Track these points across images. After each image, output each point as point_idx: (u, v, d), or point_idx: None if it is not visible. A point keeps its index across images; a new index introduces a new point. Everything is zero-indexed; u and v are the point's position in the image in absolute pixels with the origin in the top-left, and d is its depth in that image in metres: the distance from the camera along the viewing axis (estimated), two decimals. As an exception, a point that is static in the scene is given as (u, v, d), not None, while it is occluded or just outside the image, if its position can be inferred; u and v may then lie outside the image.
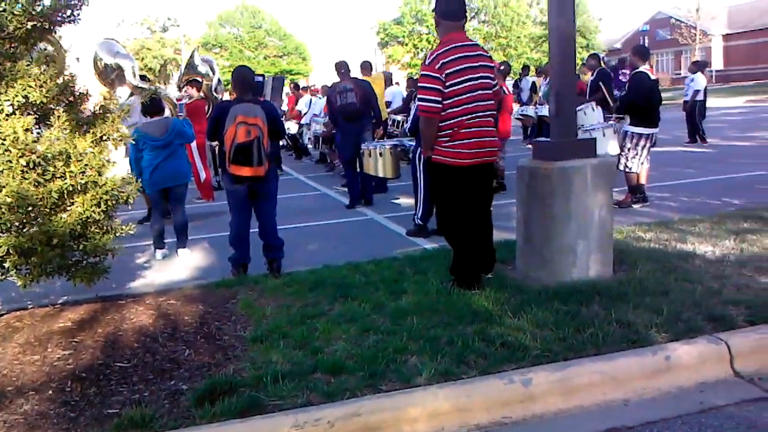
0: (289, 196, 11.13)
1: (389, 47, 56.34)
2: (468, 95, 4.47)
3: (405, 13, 53.28)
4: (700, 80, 15.10)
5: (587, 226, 4.83)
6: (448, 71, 4.42)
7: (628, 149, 8.28)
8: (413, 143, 7.53)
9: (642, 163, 8.34)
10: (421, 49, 53.84)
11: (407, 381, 3.52)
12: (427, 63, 4.52)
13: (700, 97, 15.17)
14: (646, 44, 30.79)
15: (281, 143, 17.85)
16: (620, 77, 15.71)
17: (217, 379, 3.67)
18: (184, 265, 6.85)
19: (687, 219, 6.62)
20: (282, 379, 3.59)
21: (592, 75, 11.67)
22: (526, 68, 18.17)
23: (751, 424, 3.21)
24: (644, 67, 8.22)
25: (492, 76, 4.69)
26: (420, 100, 4.52)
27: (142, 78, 9.69)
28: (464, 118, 4.48)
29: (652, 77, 8.24)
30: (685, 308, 4.20)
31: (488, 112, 4.62)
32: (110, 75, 9.20)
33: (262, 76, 8.96)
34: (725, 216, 6.58)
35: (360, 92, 9.21)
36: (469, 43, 4.60)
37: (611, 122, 9.05)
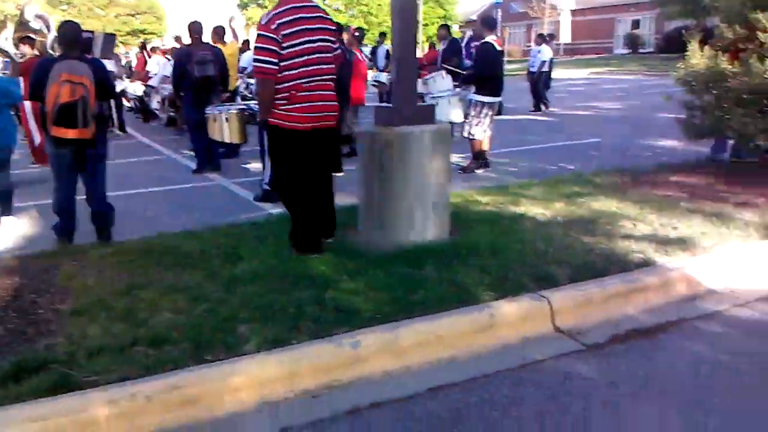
0: (131, 160, 10.56)
1: (249, 9, 54.73)
2: (305, 58, 4.34)
3: (265, -25, 51.88)
4: (546, 52, 15.82)
5: (425, 190, 4.89)
6: (284, 32, 4.25)
7: (472, 117, 8.51)
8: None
9: (485, 131, 8.60)
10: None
11: (234, 350, 3.40)
12: (263, 23, 4.33)
13: (546, 68, 15.92)
14: (499, 17, 31.82)
15: (128, 105, 16.90)
16: (472, 48, 16.19)
17: (26, 356, 3.38)
18: (7, 234, 6.29)
19: (524, 183, 6.91)
20: (99, 354, 3.36)
21: (443, 45, 11.87)
22: (383, 35, 18.22)
23: (566, 376, 3.38)
24: (490, 38, 8.43)
25: (332, 39, 4.58)
26: (255, 61, 4.34)
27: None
28: (301, 81, 4.35)
29: (498, 48, 8.47)
30: (513, 268, 4.36)
31: (327, 77, 4.51)
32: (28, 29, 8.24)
33: (91, 32, 8.23)
34: (558, 180, 6.92)
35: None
36: (308, 4, 4.44)
37: (458, 90, 9.25)
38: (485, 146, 8.75)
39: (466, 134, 8.63)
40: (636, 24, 44.61)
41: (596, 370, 3.42)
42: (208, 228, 5.59)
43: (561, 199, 6.06)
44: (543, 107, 15.48)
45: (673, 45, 26.48)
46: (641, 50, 41.71)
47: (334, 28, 4.64)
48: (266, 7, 53.13)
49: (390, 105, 5.12)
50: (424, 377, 3.42)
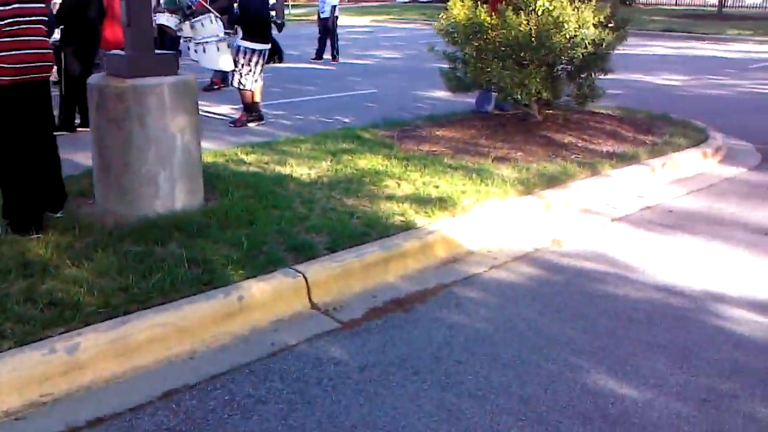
0: None
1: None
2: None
3: None
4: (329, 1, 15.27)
5: (169, 152, 4.31)
6: None
7: (242, 65, 7.91)
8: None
9: (256, 81, 8.06)
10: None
11: None
12: None
13: (337, 13, 15.43)
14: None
15: None
16: None
17: None
18: None
19: (291, 140, 6.52)
20: None
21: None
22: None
23: (317, 362, 3.09)
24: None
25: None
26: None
27: None
28: (2, 23, 3.52)
29: (262, -10, 7.88)
30: (268, 239, 3.99)
31: (35, 18, 3.71)
32: None
33: None
34: (328, 135, 6.63)
35: None
36: None
37: (225, 36, 8.56)
38: (257, 97, 8.21)
39: (236, 84, 8.02)
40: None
41: (349, 352, 3.16)
42: None
43: (328, 157, 5.76)
44: (333, 57, 15.04)
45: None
46: (420, -1, 42.82)
47: None
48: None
49: (120, 52, 4.42)
50: (157, 380, 2.95)
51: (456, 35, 6.25)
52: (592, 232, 4.66)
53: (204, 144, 6.88)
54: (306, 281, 3.61)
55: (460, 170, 5.35)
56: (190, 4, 13.19)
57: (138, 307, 3.23)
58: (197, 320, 3.25)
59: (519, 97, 5.91)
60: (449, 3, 6.25)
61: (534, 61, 5.89)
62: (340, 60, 15.18)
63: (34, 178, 3.96)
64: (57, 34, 7.80)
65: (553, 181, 5.18)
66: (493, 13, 5.97)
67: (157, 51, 4.52)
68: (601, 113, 7.42)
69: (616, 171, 5.56)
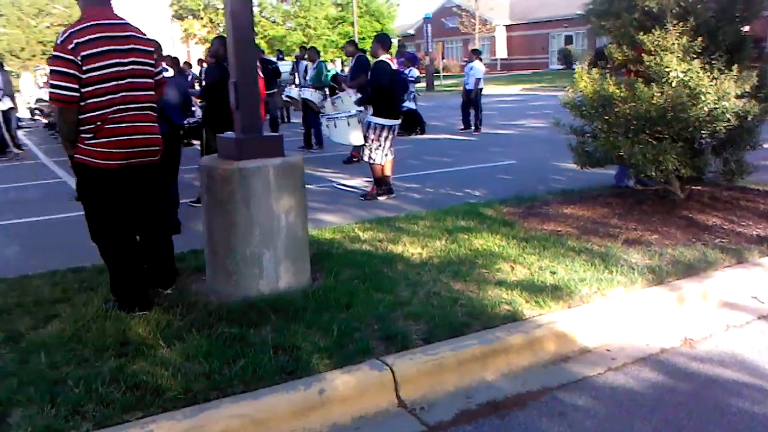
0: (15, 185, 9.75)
1: (185, 20, 53.43)
2: (114, 83, 3.71)
3: (201, -15, 50.71)
4: (478, 67, 15.41)
5: (273, 232, 4.31)
6: (85, 53, 3.61)
7: (372, 140, 7.98)
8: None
9: (386, 155, 8.10)
10: (218, 24, 51.66)
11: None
12: (58, 42, 3.68)
13: (481, 85, 15.49)
14: (429, 32, 31.59)
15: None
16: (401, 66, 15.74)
17: None
18: None
19: (411, 216, 6.39)
20: None
21: (351, 62, 11.35)
22: (303, 49, 17.61)
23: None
24: (384, 57, 7.94)
25: (151, 62, 3.95)
26: (51, 86, 3.69)
27: None
28: (109, 110, 3.72)
29: (393, 67, 7.98)
30: (363, 325, 3.82)
31: (144, 104, 3.89)
32: None
33: None
34: (449, 212, 6.43)
35: None
36: (116, 21, 3.81)
37: (358, 111, 8.73)
38: (387, 172, 8.23)
39: (366, 158, 8.10)
40: (569, 39, 45.17)
41: (428, 463, 2.88)
42: (44, 273, 4.93)
43: (443, 235, 5.55)
44: (475, 127, 15.01)
45: (603, 60, 26.69)
46: (575, 65, 42.15)
47: (151, 49, 4.01)
48: (201, 18, 52.15)
49: (232, 134, 4.53)
50: (224, 476, 2.83)
51: (584, 108, 5.89)
52: (732, 332, 4.05)
53: (331, 218, 7.04)
54: (393, 376, 3.38)
55: (583, 254, 4.93)
56: (337, 74, 13.76)
57: (218, 394, 3.15)
58: (275, 413, 3.11)
59: (654, 174, 5.41)
60: (575, 75, 5.93)
61: (669, 135, 5.39)
62: (483, 130, 15.07)
63: (139, 258, 4.09)
64: (198, 112, 8.34)
65: (689, 269, 4.62)
66: (623, 86, 5.57)
67: (266, 134, 4.59)
68: (757, 190, 6.66)
69: (767, 259, 4.88)
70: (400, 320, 3.91)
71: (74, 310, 4.13)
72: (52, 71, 3.67)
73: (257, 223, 4.25)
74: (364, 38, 47.21)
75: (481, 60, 16.28)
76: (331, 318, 3.89)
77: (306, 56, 15.22)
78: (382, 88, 7.87)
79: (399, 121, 8.21)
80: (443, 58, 46.91)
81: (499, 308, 4.05)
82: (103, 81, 3.66)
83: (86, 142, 3.74)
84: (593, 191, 7.09)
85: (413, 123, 14.72)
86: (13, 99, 13.89)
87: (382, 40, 8.09)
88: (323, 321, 3.86)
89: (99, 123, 3.70)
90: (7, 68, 15.20)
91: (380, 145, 7.99)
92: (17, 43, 47.99)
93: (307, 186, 9.10)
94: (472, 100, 15.24)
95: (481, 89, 15.25)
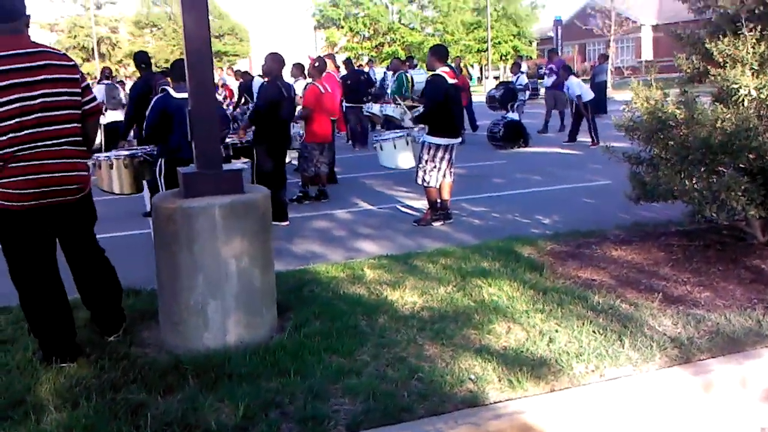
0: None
1: (326, 29, 54.78)
2: (20, 119, 3.36)
3: (340, -5, 51.74)
4: (574, 86, 14.09)
5: (220, 279, 3.82)
6: None
7: (426, 161, 7.32)
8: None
9: (444, 177, 7.41)
10: (357, 32, 52.48)
11: None
12: None
13: (585, 98, 14.18)
14: (559, 35, 29.92)
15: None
16: (545, 72, 14.81)
17: None
18: None
19: (435, 252, 5.66)
20: None
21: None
22: (402, 60, 17.12)
23: None
24: (441, 70, 7.25)
25: (74, 90, 3.56)
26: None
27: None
28: (14, 149, 3.38)
29: (450, 81, 7.26)
30: (288, 399, 3.24)
31: (59, 140, 3.49)
32: None
33: None
34: (480, 248, 5.64)
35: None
36: (28, 50, 3.43)
37: (404, 131, 8.09)
38: (444, 195, 7.53)
39: (419, 181, 7.44)
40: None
41: None
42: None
43: (455, 279, 4.81)
44: (592, 142, 13.65)
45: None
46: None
47: (74, 76, 3.58)
48: (342, 28, 53.17)
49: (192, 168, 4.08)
50: None
51: (639, 131, 4.92)
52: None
53: (370, 246, 6.49)
54: (289, 475, 2.78)
55: (602, 315, 4.02)
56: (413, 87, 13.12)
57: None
58: None
59: (713, 214, 4.37)
60: (632, 93, 4.98)
61: (737, 167, 4.33)
62: (601, 143, 13.70)
63: (61, 303, 3.72)
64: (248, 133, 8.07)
65: (731, 344, 3.60)
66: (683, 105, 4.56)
67: (225, 168, 4.10)
68: None
69: None
70: (335, 396, 3.28)
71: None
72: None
73: (200, 267, 3.78)
74: (499, 42, 46.03)
75: (576, 74, 14.94)
76: (256, 388, 3.34)
77: (408, 64, 14.74)
78: (437, 104, 7.20)
79: (458, 140, 7.48)
80: (584, 60, 44.56)
81: (461, 387, 3.31)
82: (6, 118, 3.33)
83: (-6, 181, 3.43)
84: (662, 227, 6.02)
85: (516, 135, 13.77)
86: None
87: (438, 51, 7.41)
88: (244, 392, 3.31)
89: (3, 162, 3.38)
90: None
91: (435, 167, 7.31)
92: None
93: (368, 207, 8.79)
94: (580, 112, 13.99)
95: (585, 104, 13.88)
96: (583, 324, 3.90)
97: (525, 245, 5.65)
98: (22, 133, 3.38)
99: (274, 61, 7.76)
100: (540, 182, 9.88)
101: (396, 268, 5.22)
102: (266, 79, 7.90)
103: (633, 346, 3.62)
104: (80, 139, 3.64)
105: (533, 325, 3.96)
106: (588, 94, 13.99)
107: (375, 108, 11.78)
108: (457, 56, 17.63)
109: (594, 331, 3.80)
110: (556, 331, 3.84)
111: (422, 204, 8.24)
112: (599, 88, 17.68)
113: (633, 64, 42.00)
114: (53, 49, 3.73)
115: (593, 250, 5.36)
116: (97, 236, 4.02)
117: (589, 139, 13.75)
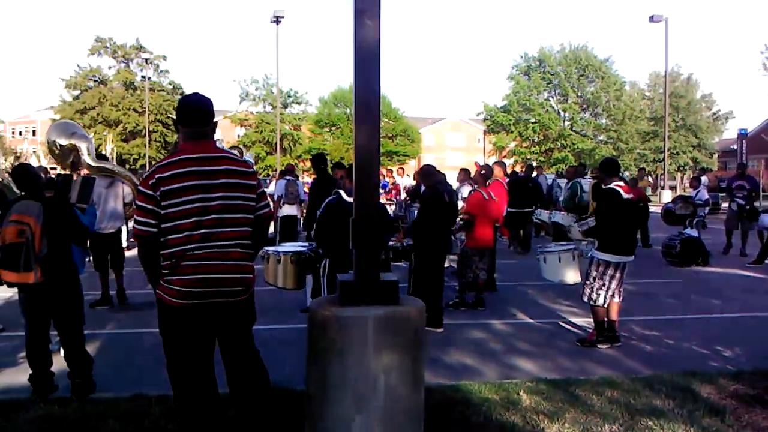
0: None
1: (494, 134, 55.53)
2: (194, 219, 3.53)
3: (512, 101, 52.51)
4: (703, 190, 13.35)
5: (368, 395, 3.68)
6: (164, 189, 3.50)
7: (594, 278, 6.89)
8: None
9: (612, 296, 6.93)
10: (527, 138, 52.69)
11: None
12: (143, 177, 3.66)
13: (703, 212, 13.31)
14: (744, 149, 28.00)
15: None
16: (734, 188, 13.99)
17: None
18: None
19: (601, 381, 5.18)
20: None
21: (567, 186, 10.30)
22: (573, 168, 16.71)
23: None
24: (615, 184, 6.91)
25: (249, 196, 3.69)
26: (135, 222, 3.65)
27: (100, 157, 9.37)
28: (187, 247, 3.53)
29: (625, 196, 6.88)
30: None
31: (231, 241, 3.61)
32: (68, 157, 8.95)
33: (69, 176, 7.01)
34: (652, 381, 5.09)
35: None
36: (209, 155, 3.65)
37: (572, 245, 7.69)
38: (612, 315, 7.01)
39: (586, 299, 6.99)
40: None
41: None
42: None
43: (622, 416, 4.32)
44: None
45: None
46: None
47: (251, 182, 3.75)
48: (512, 132, 53.59)
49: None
50: None
51: None
52: None
53: (527, 364, 6.15)
54: None
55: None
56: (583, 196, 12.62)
57: None
58: None
59: None
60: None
61: None
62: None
63: (211, 406, 3.76)
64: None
65: None
66: None
67: (383, 277, 4.02)
68: None
69: None
70: None
71: None
72: (136, 206, 3.64)
73: (349, 381, 3.67)
74: (677, 153, 44.22)
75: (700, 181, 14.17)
76: None
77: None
78: (610, 219, 6.83)
79: (630, 259, 7.00)
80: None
81: None
82: (181, 217, 3.51)
83: (164, 278, 3.59)
84: None
85: (694, 253, 12.79)
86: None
87: (607, 167, 7.10)
88: None
89: (174, 260, 3.54)
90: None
91: (604, 285, 6.86)
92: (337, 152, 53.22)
93: (527, 320, 8.36)
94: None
95: (702, 218, 12.92)
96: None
97: (704, 382, 5.03)
98: (198, 232, 3.54)
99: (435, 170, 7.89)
100: (720, 307, 8.97)
101: (556, 395, 4.82)
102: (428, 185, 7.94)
103: None
104: (249, 242, 3.75)
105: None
106: None
107: (544, 215, 11.48)
108: (641, 167, 17.09)
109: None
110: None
111: (586, 321, 7.74)
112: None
113: None
114: (234, 155, 3.94)
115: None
116: (255, 327, 4.06)
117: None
